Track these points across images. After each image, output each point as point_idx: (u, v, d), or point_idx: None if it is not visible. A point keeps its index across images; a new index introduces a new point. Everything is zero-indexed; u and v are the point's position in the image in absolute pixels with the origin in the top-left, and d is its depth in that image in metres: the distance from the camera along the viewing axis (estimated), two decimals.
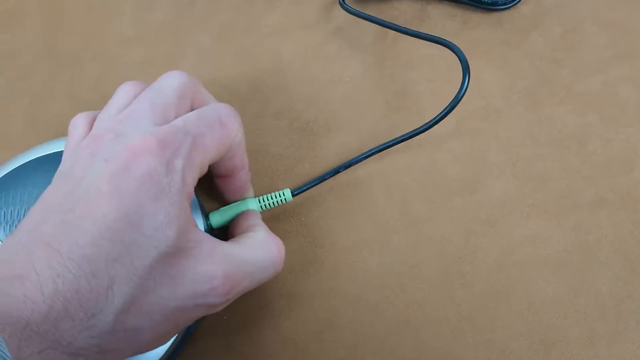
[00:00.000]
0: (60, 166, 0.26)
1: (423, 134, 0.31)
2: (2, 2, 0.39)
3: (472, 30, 0.35)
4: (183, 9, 0.37)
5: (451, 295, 0.30)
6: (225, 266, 0.24)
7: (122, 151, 0.23)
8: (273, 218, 0.32)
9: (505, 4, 0.35)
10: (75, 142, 0.27)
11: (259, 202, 0.31)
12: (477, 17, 0.35)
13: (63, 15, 0.38)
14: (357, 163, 0.32)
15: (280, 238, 0.28)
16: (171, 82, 0.27)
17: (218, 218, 0.30)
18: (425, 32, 0.31)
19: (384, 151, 0.32)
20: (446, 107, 0.29)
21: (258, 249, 0.27)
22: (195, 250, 0.24)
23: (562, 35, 0.35)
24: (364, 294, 0.30)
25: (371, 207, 0.32)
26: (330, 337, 0.30)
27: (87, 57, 0.37)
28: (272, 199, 0.31)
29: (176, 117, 0.26)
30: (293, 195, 0.31)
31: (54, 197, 0.24)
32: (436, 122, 0.30)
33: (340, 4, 0.35)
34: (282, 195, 0.31)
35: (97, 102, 0.35)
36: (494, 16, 0.35)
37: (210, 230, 0.30)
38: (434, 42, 0.30)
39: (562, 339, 0.29)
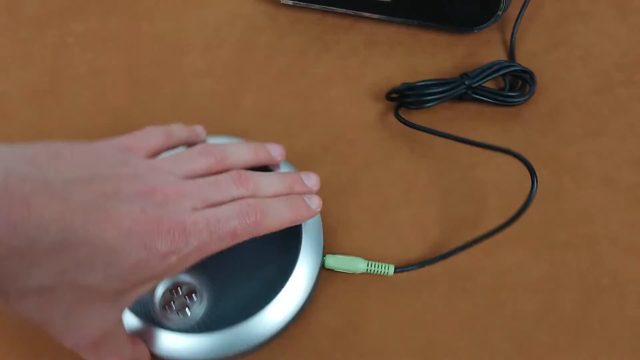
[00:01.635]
0: (113, 148, 0.28)
1: None
2: (84, 21, 0.49)
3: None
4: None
5: None
6: None
7: (163, 217, 0.26)
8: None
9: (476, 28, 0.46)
10: (143, 152, 0.30)
11: (367, 266, 0.37)
12: None
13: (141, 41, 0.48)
14: (463, 250, 0.37)
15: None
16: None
17: (332, 262, 0.37)
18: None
19: None
20: (520, 209, 0.34)
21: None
22: None
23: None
24: None
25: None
26: None
27: (162, 83, 0.46)
28: (377, 267, 0.37)
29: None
30: (395, 272, 0.37)
31: (84, 176, 0.25)
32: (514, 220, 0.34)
33: (396, 116, 0.42)
34: (386, 268, 0.37)
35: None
36: None
37: (321, 269, 0.37)
38: (498, 150, 0.37)
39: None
